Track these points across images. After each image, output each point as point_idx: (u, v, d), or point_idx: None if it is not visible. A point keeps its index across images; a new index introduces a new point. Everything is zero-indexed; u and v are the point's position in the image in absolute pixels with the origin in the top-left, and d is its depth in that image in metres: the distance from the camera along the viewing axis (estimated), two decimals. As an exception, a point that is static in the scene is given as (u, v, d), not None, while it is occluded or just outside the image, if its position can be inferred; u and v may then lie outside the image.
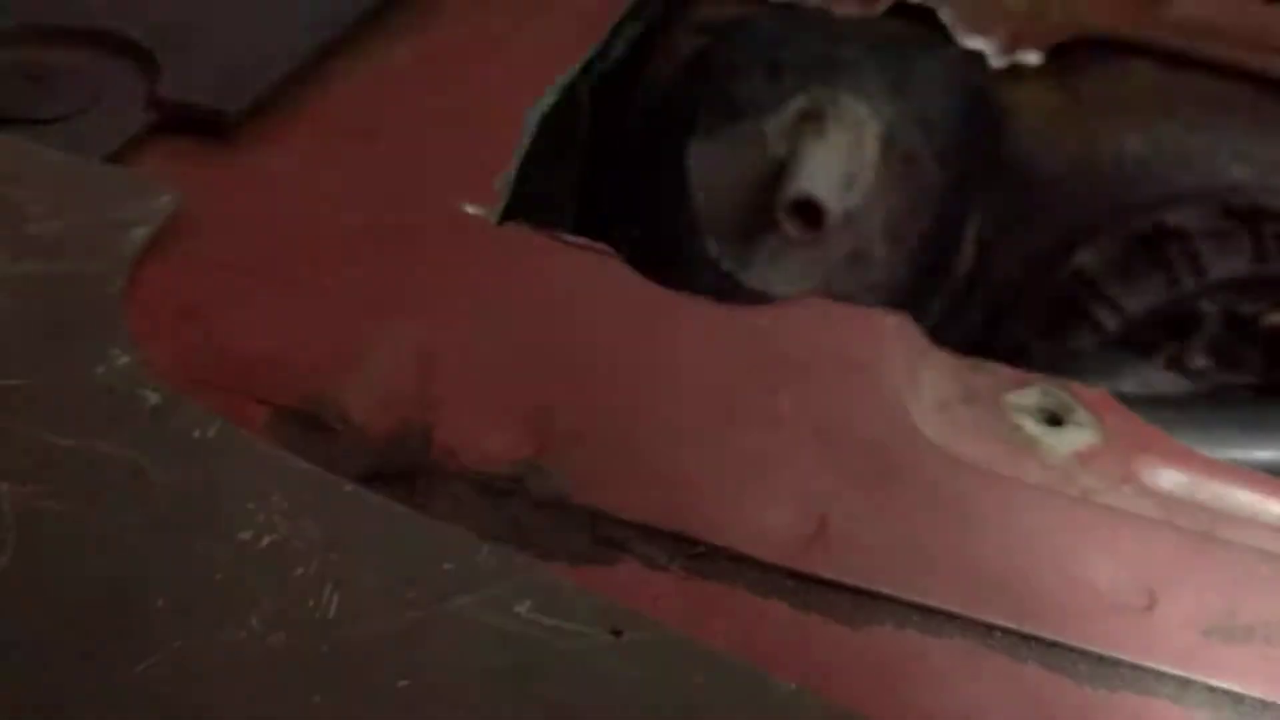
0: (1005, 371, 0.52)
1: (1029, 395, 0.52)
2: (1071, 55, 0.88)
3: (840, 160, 0.72)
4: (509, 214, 0.56)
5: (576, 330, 0.48)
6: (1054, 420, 0.51)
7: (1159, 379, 0.65)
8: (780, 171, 0.72)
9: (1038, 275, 0.84)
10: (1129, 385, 0.64)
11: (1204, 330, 0.72)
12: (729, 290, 0.77)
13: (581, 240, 0.52)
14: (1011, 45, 0.85)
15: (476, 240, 0.51)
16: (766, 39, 0.78)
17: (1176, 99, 0.85)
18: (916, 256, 0.77)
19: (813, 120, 0.75)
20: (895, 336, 0.52)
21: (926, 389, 0.51)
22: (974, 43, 0.83)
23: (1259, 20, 0.91)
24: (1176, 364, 0.71)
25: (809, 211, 0.68)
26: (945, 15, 0.82)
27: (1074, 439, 0.50)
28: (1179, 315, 0.75)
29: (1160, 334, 0.77)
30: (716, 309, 0.51)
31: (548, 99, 0.59)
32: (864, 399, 0.48)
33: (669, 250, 0.77)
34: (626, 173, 0.79)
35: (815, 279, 0.76)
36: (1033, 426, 0.50)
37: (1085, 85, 0.87)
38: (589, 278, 0.51)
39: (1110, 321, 0.77)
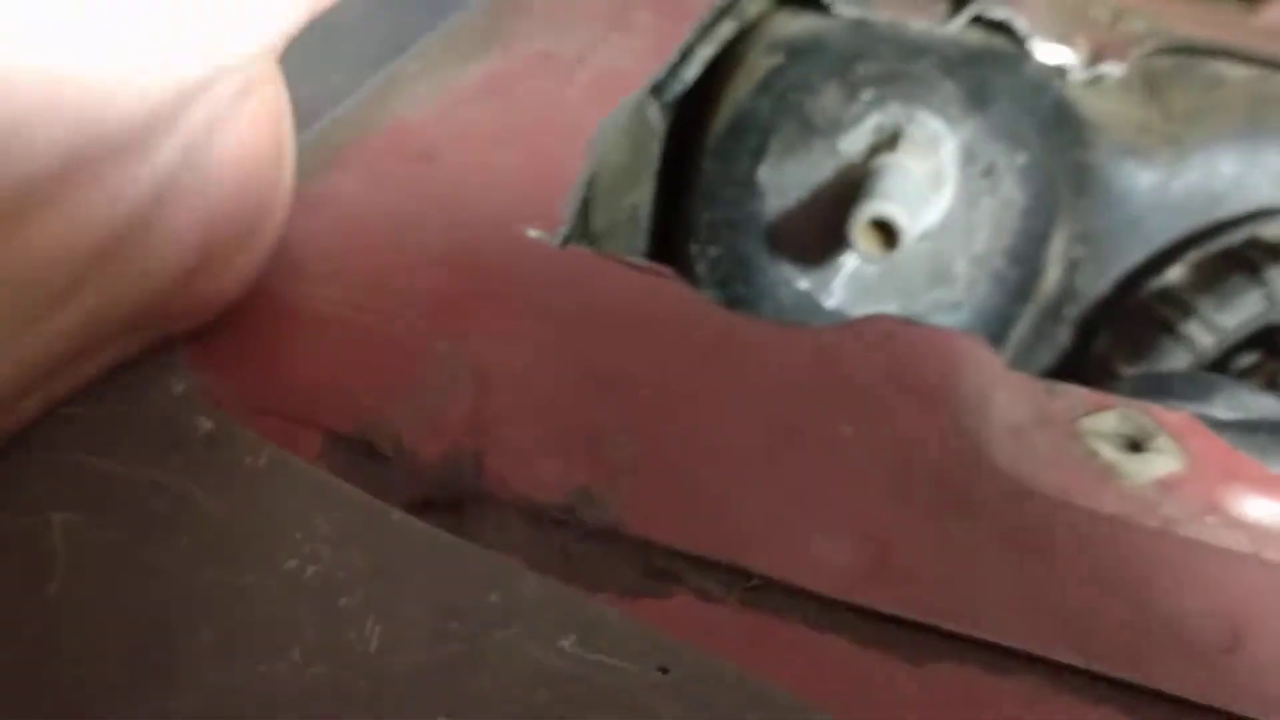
0: (1083, 394, 0.50)
1: (1107, 420, 0.50)
2: (1159, 66, 0.85)
3: (917, 178, 0.70)
4: (581, 236, 0.55)
5: (633, 355, 0.47)
6: (1134, 446, 0.49)
7: (1253, 402, 0.61)
8: (855, 190, 0.70)
9: (1127, 293, 0.81)
10: (1221, 409, 0.61)
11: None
12: (807, 310, 0.75)
13: (643, 263, 0.51)
14: (1095, 57, 0.82)
15: (536, 264, 0.51)
16: (840, 55, 0.77)
17: (1270, 109, 0.81)
18: (1000, 275, 0.75)
19: (888, 137, 0.73)
20: (966, 358, 0.50)
21: (998, 413, 0.49)
22: (1055, 55, 0.80)
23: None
24: (1273, 384, 0.68)
25: (884, 231, 0.66)
26: (1023, 27, 0.79)
27: (1155, 466, 0.48)
28: (1277, 331, 0.71)
29: (1258, 351, 0.74)
30: (779, 330, 0.50)
31: (614, 121, 0.59)
32: (930, 424, 0.46)
33: (747, 270, 0.76)
34: (704, 194, 0.78)
35: (895, 299, 0.74)
36: (1111, 453, 0.48)
37: (1174, 97, 0.84)
38: (648, 300, 0.50)
39: (1204, 339, 0.73)
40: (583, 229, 0.65)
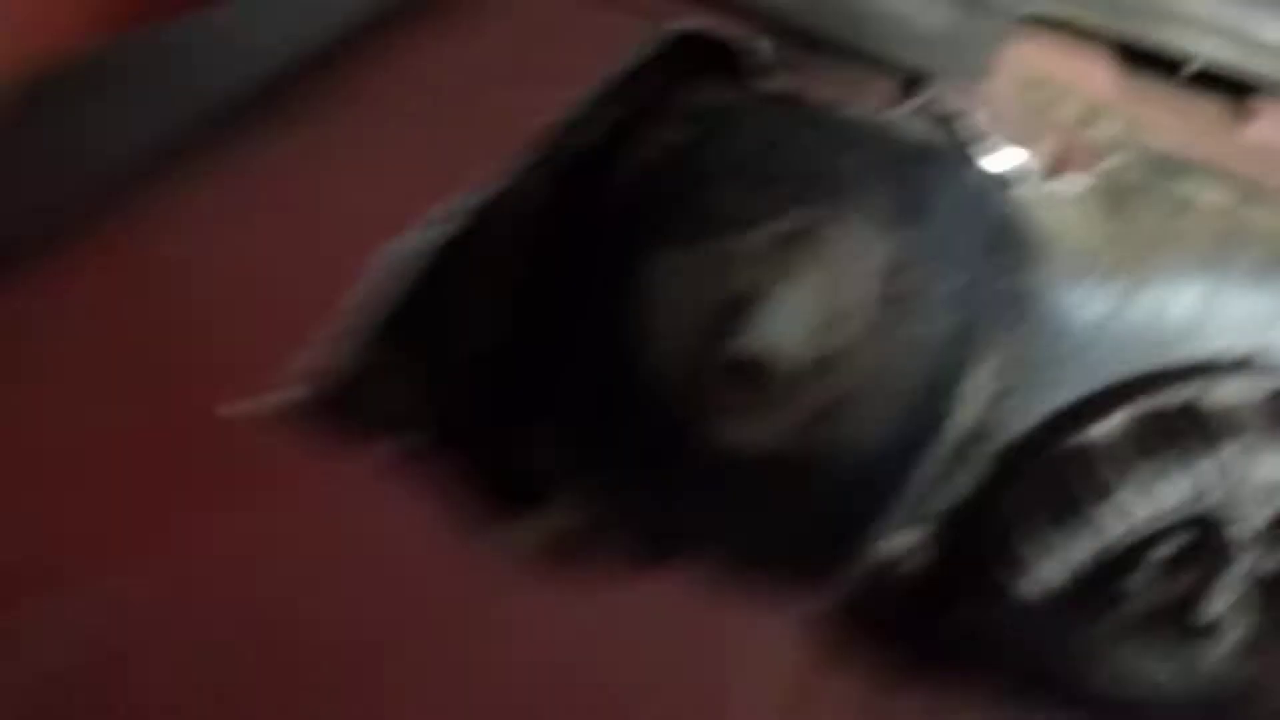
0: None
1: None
2: (1127, 179, 0.75)
3: (817, 301, 0.61)
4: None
5: (330, 598, 0.38)
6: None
7: (1130, 665, 0.52)
8: (738, 312, 0.61)
9: (1049, 441, 0.71)
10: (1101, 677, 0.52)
11: (1231, 568, 0.59)
12: (678, 443, 0.66)
13: (385, 462, 0.41)
14: (1056, 166, 0.72)
15: (224, 458, 0.40)
16: (757, 137, 0.66)
17: (1240, 244, 0.72)
18: (906, 412, 0.65)
19: (796, 246, 0.63)
20: (768, 659, 0.41)
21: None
22: (1009, 160, 0.70)
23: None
24: (1188, 603, 0.59)
25: (759, 371, 0.56)
26: (977, 125, 0.69)
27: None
28: (1206, 538, 0.62)
29: (1181, 540, 0.64)
30: (541, 599, 0.40)
31: (430, 234, 0.49)
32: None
33: (614, 386, 0.67)
34: (582, 287, 0.68)
35: (780, 434, 0.65)
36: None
37: (1139, 217, 0.74)
38: (377, 520, 0.40)
39: (1115, 526, 0.64)
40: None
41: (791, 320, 0.59)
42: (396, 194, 0.50)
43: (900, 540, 0.73)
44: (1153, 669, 0.52)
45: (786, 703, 0.40)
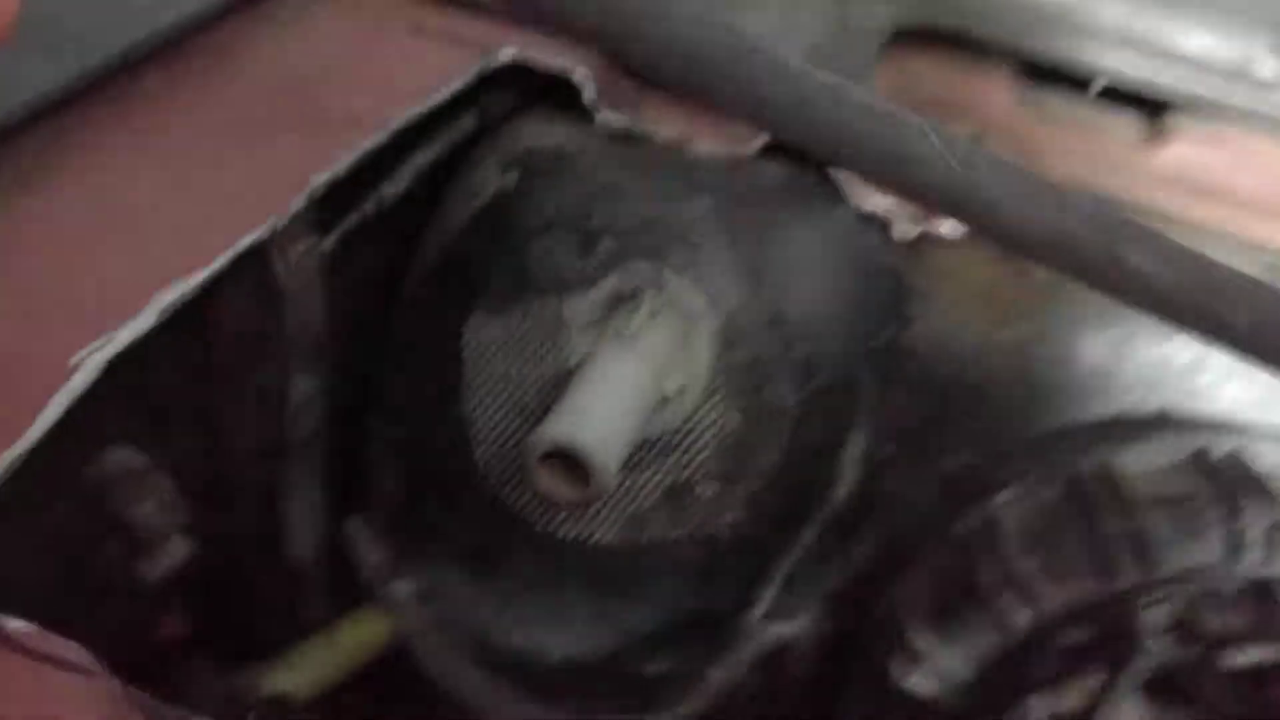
0: None
1: None
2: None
3: (645, 372, 0.53)
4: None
5: None
6: None
7: None
8: (558, 388, 0.53)
9: (940, 516, 0.63)
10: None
11: (1143, 656, 0.51)
12: (503, 516, 0.58)
13: (47, 648, 0.33)
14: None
15: None
16: (587, 184, 0.58)
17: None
18: (768, 489, 0.57)
19: (623, 310, 0.55)
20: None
21: None
22: (877, 201, 0.62)
23: (1267, 179, 0.70)
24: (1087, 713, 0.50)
25: (576, 464, 0.48)
26: (841, 159, 0.61)
27: None
28: (1115, 627, 0.54)
29: (1089, 631, 0.56)
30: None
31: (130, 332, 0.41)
32: None
33: (435, 456, 0.59)
34: (394, 356, 0.60)
35: (618, 522, 0.57)
36: None
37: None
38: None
39: (1021, 617, 0.56)
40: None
41: (609, 409, 0.51)
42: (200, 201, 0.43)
43: (784, 628, 0.64)
44: None
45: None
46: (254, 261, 0.49)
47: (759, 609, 0.61)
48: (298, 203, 0.48)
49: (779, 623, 0.66)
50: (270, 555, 0.58)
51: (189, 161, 0.48)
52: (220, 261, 0.44)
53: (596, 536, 0.57)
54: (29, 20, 0.38)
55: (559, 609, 0.60)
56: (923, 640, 0.59)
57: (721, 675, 0.62)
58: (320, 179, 0.49)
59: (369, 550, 0.64)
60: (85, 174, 0.47)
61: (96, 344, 0.39)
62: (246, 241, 0.45)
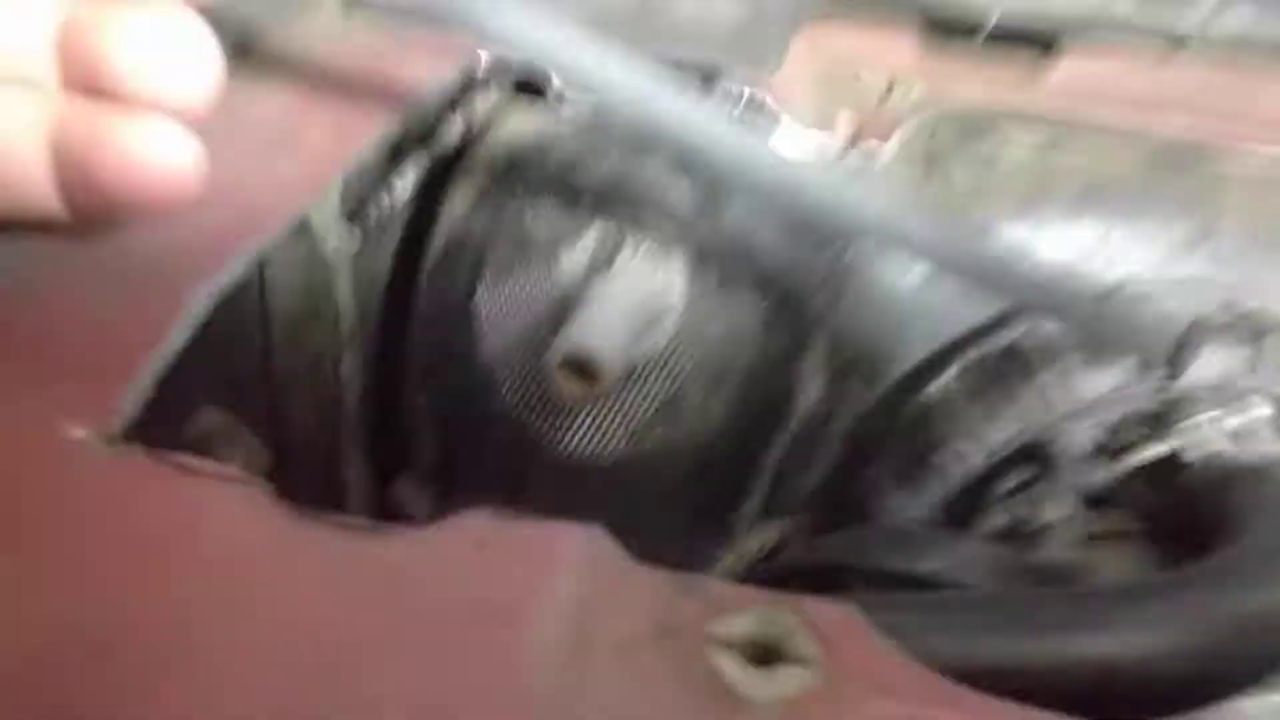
0: (720, 592, 0.43)
1: (741, 624, 0.43)
2: (938, 142, 0.79)
3: (631, 301, 0.64)
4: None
5: (153, 591, 0.40)
6: (769, 656, 0.42)
7: (964, 553, 0.55)
8: (559, 320, 0.64)
9: (897, 406, 0.74)
10: (929, 565, 0.54)
11: (1068, 467, 0.62)
12: (534, 452, 0.68)
13: (207, 465, 0.45)
14: (859, 135, 0.76)
15: (73, 474, 0.44)
16: (564, 159, 0.70)
17: (1057, 180, 0.75)
18: (741, 399, 0.68)
19: (607, 252, 0.67)
20: (572, 562, 0.43)
21: (606, 628, 0.42)
22: (809, 139, 0.74)
23: (1154, 79, 0.81)
24: (1027, 519, 0.61)
25: (587, 368, 0.59)
26: (773, 110, 0.73)
27: (783, 683, 0.41)
28: (1045, 447, 0.65)
29: (1027, 467, 0.67)
30: (350, 546, 0.43)
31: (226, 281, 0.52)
32: (494, 663, 0.40)
33: (465, 410, 0.69)
34: (418, 326, 0.71)
35: (624, 432, 0.68)
36: (735, 669, 0.41)
37: (955, 172, 0.77)
38: (196, 517, 0.43)
39: (972, 457, 0.67)
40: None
41: (609, 323, 0.62)
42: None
43: (768, 532, 0.75)
44: (993, 558, 0.54)
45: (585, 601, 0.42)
46: (303, 240, 0.60)
47: (751, 504, 0.72)
48: (333, 184, 0.59)
49: (770, 521, 0.77)
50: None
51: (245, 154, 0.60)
52: (281, 230, 0.55)
53: (607, 449, 0.68)
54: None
55: (579, 517, 0.70)
56: (893, 501, 0.69)
57: (722, 571, 0.72)
58: (350, 162, 0.60)
59: (416, 504, 0.74)
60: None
61: (205, 286, 0.50)
62: (298, 215, 0.56)
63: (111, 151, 0.46)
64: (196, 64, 0.46)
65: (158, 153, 0.47)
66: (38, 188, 0.47)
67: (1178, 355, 0.64)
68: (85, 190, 0.47)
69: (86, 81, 0.46)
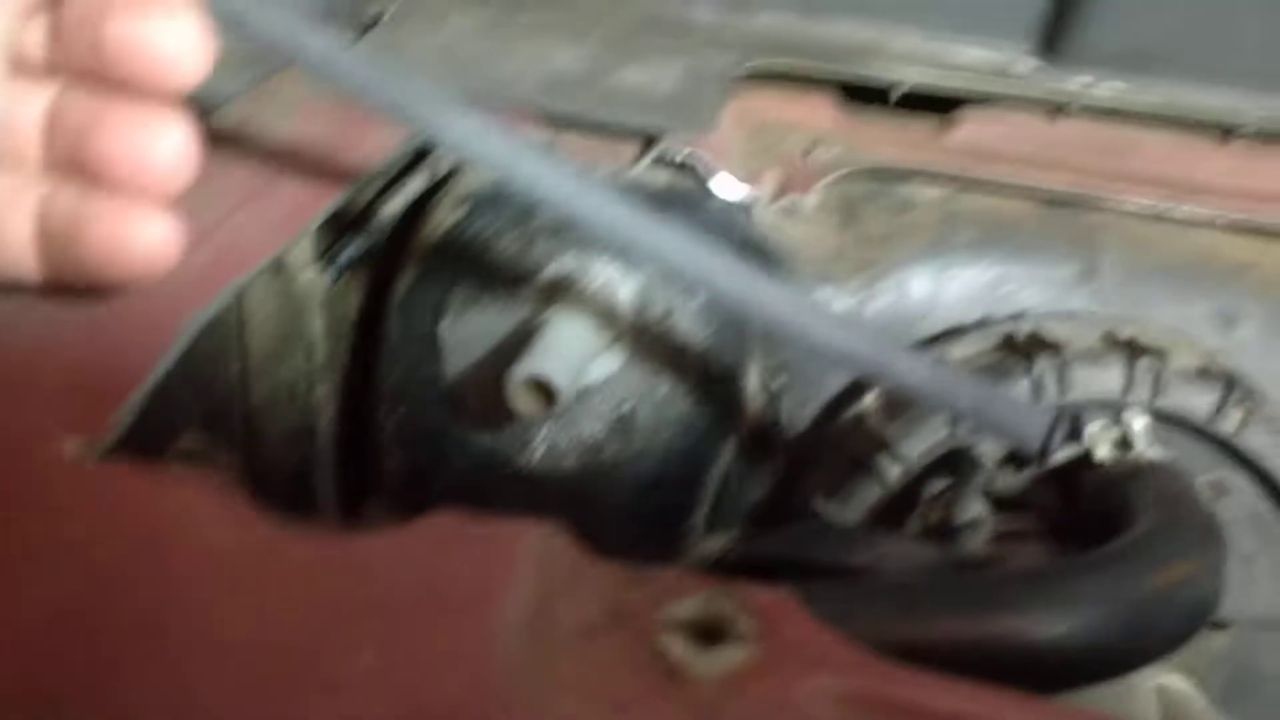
0: (670, 580, 0.43)
1: (688, 607, 0.43)
2: (853, 192, 0.81)
3: (584, 329, 0.64)
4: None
5: (138, 586, 0.40)
6: (713, 636, 0.42)
7: (893, 549, 0.55)
8: (519, 344, 0.64)
9: (826, 424, 0.75)
10: (861, 559, 0.54)
11: (980, 473, 0.63)
12: (499, 473, 0.68)
13: (192, 475, 0.44)
14: (782, 189, 0.77)
15: (57, 486, 0.43)
16: (522, 205, 0.71)
17: (957, 227, 0.77)
18: (687, 418, 0.69)
19: (561, 288, 0.67)
20: (532, 556, 0.43)
21: (565, 615, 0.42)
22: (739, 191, 0.75)
23: (1043, 138, 0.84)
24: (946, 520, 0.62)
25: (543, 390, 0.59)
26: (703, 166, 0.74)
27: (728, 659, 0.41)
28: (959, 460, 0.66)
29: (946, 477, 0.68)
30: (323, 545, 0.42)
31: (216, 309, 0.52)
32: (463, 645, 0.39)
33: (432, 434, 0.69)
34: (387, 356, 0.71)
35: (579, 452, 0.68)
36: (681, 649, 0.41)
37: (867, 221, 0.79)
38: (177, 519, 0.43)
39: (892, 470, 0.67)
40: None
41: (563, 349, 0.62)
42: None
43: (714, 542, 0.75)
44: (916, 553, 0.55)
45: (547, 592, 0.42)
46: (278, 277, 0.60)
47: (698, 517, 0.72)
48: (308, 228, 0.59)
49: (714, 537, 0.77)
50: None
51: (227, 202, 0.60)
52: (260, 265, 0.55)
53: (564, 465, 0.68)
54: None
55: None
56: (827, 510, 0.70)
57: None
58: (324, 209, 0.60)
59: (386, 523, 0.73)
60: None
61: (193, 315, 0.50)
62: (278, 252, 0.56)
63: (94, 235, 0.46)
64: (179, 154, 0.46)
65: (139, 236, 0.47)
66: (21, 263, 0.47)
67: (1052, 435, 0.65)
68: (68, 267, 0.47)
69: (72, 165, 0.46)
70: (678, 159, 0.74)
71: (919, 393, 0.58)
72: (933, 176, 0.80)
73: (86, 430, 0.46)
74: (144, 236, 0.47)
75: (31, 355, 0.49)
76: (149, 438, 0.50)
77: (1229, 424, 0.65)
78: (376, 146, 0.68)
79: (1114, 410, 0.65)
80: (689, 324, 0.69)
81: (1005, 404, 0.63)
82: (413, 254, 0.73)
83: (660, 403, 0.68)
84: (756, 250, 0.74)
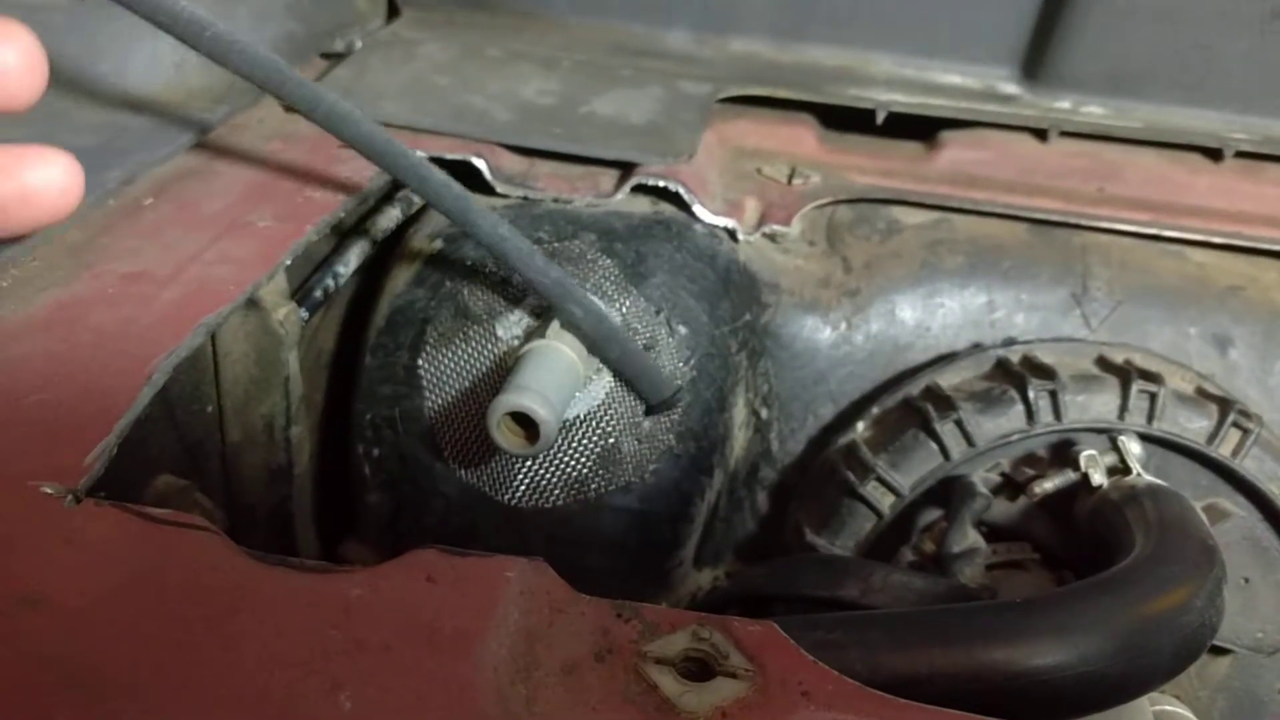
0: (656, 614, 0.43)
1: (676, 642, 0.43)
2: (839, 219, 0.82)
3: (566, 362, 0.64)
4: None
5: (120, 630, 0.40)
6: (701, 671, 0.42)
7: (885, 581, 0.56)
8: (499, 379, 0.64)
9: (815, 454, 0.76)
10: (852, 592, 0.55)
11: (974, 502, 0.63)
12: (479, 507, 0.68)
13: (165, 513, 0.44)
14: (766, 216, 0.78)
15: (39, 523, 0.43)
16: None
17: (944, 252, 0.78)
18: (672, 450, 0.69)
19: (542, 321, 0.68)
20: (515, 592, 0.43)
21: (550, 651, 0.42)
22: (723, 218, 0.76)
23: (1028, 162, 0.85)
24: (939, 550, 0.62)
25: (526, 423, 0.60)
26: (690, 194, 0.75)
27: (720, 693, 0.41)
28: (953, 489, 0.66)
29: (938, 508, 0.68)
30: (309, 582, 0.43)
31: (190, 347, 0.52)
32: (444, 685, 0.39)
33: (411, 470, 0.69)
34: (364, 392, 0.71)
35: (565, 486, 0.68)
36: (671, 684, 0.42)
37: (853, 248, 0.80)
38: (155, 559, 0.43)
39: (884, 499, 0.68)
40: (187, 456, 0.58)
41: (544, 384, 0.63)
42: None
43: (701, 578, 0.75)
44: (905, 585, 0.55)
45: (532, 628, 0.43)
46: (253, 314, 0.61)
47: (685, 553, 0.72)
48: (281, 264, 0.60)
49: (703, 570, 0.77)
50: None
51: (201, 238, 0.61)
52: (233, 303, 0.56)
53: (550, 501, 0.68)
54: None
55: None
56: (816, 544, 0.70)
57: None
58: (297, 245, 0.61)
59: (365, 563, 0.73)
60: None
61: (166, 354, 0.51)
62: (249, 290, 0.57)
63: None
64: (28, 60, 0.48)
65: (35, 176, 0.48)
66: None
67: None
68: None
69: None
70: (657, 185, 0.75)
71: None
72: (917, 202, 0.81)
73: (61, 472, 0.46)
74: (39, 177, 0.49)
75: (2, 398, 0.50)
76: (126, 478, 0.50)
77: (1225, 447, 0.66)
78: (348, 181, 0.69)
79: (1109, 435, 0.65)
80: (672, 355, 0.69)
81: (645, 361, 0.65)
82: (388, 289, 0.73)
83: (645, 436, 0.69)
84: (738, 274, 0.75)
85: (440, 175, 0.61)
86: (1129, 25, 0.86)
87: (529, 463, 0.68)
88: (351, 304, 0.76)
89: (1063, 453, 0.66)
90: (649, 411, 0.67)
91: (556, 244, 0.72)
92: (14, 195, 0.50)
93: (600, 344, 0.64)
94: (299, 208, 0.66)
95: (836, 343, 0.77)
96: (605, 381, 0.68)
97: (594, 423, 0.68)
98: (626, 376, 0.66)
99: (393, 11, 1.01)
